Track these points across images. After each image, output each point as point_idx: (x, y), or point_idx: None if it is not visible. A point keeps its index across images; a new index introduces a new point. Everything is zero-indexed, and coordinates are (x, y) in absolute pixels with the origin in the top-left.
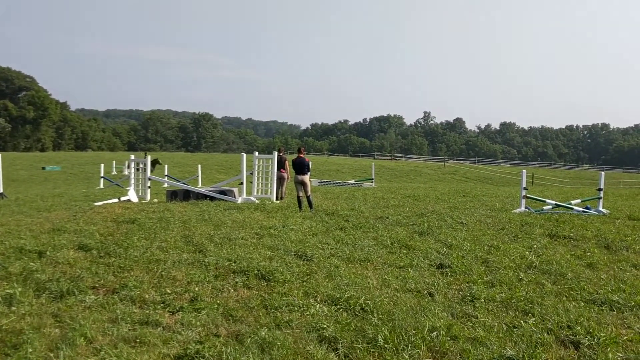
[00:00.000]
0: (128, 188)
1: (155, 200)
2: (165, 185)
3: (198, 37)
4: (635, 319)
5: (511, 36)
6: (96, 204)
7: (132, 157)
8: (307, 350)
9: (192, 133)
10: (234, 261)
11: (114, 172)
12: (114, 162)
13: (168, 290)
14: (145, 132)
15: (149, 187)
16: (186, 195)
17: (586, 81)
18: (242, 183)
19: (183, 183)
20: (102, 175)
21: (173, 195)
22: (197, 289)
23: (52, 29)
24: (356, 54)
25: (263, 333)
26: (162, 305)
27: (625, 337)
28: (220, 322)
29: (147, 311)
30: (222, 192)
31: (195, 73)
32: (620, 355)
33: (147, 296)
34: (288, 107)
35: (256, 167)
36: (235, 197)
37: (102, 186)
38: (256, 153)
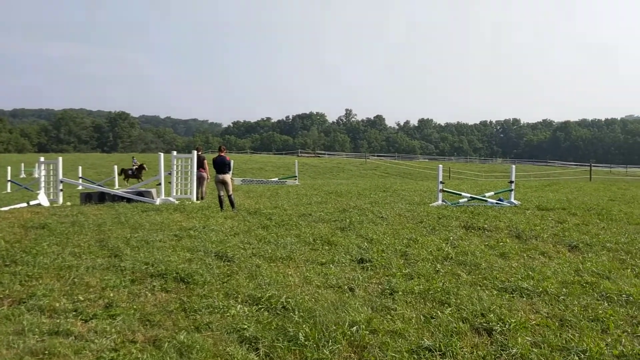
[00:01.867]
0: (38, 191)
1: (68, 203)
2: (79, 187)
3: (110, 32)
4: (543, 304)
5: (427, 34)
6: (2, 209)
7: (42, 159)
8: (227, 352)
9: (107, 133)
10: (151, 264)
11: (23, 175)
12: (23, 164)
13: (81, 298)
14: (57, 133)
15: (61, 190)
16: (101, 197)
17: (498, 78)
18: (160, 184)
19: (98, 185)
20: (9, 178)
21: (87, 197)
22: (112, 294)
23: None
24: (280, 50)
25: (182, 337)
26: (74, 313)
27: (533, 322)
28: (136, 328)
29: (58, 320)
30: (140, 194)
31: (110, 70)
32: (529, 339)
33: (57, 305)
34: (208, 105)
35: (174, 166)
36: (153, 199)
37: (9, 190)
38: (174, 152)
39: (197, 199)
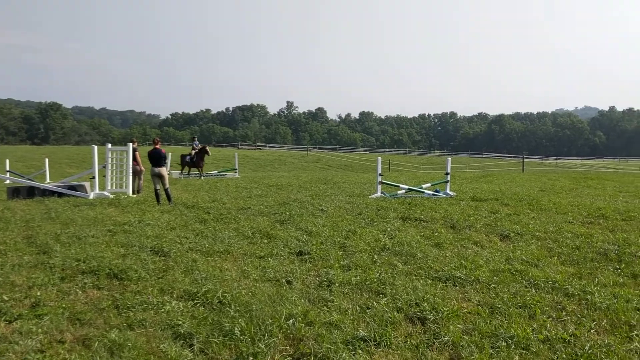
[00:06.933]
0: None
1: None
2: (7, 182)
3: (43, 19)
4: (475, 292)
5: (368, 28)
6: None
7: None
8: (161, 349)
9: (38, 124)
10: (82, 261)
11: None
12: None
13: (5, 297)
14: None
15: None
16: (30, 192)
17: (436, 72)
18: (93, 177)
19: (27, 179)
20: None
21: (15, 192)
22: (39, 293)
23: None
24: (217, 42)
25: (113, 335)
26: None
27: (465, 310)
28: (65, 328)
29: None
30: (72, 188)
31: (40, 58)
32: (461, 327)
33: None
34: (145, 95)
35: (109, 159)
36: (86, 193)
37: None
38: (109, 145)
39: (133, 193)
